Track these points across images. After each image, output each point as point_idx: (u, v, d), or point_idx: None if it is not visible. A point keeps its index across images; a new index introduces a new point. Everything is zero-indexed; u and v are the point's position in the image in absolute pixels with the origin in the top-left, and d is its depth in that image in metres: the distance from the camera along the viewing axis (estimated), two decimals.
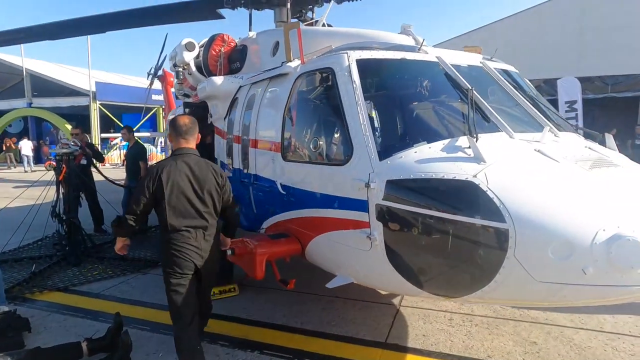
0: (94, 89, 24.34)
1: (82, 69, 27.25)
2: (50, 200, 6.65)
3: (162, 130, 23.52)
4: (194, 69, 6.74)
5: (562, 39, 14.95)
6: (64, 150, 6.59)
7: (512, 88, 3.63)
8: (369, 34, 4.43)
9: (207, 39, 6.57)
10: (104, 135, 25.21)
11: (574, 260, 2.21)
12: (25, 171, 21.10)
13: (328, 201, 3.40)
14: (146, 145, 17.51)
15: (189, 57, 6.65)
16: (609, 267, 2.18)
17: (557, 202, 2.36)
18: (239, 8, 6.62)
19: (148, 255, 6.51)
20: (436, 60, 3.57)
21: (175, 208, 3.07)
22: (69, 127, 17.46)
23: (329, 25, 6.05)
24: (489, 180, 2.48)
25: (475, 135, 2.82)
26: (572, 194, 2.42)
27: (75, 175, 6.63)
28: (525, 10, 16.35)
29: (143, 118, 23.07)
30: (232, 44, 6.41)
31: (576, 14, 15.05)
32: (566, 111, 12.07)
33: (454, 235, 2.52)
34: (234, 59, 6.28)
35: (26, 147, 22.55)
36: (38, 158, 24.50)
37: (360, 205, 3.02)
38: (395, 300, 4.71)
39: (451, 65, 3.52)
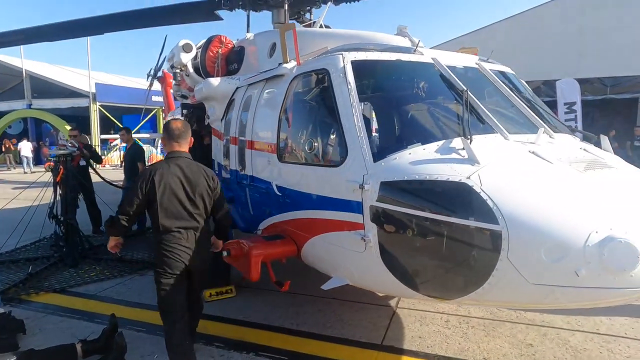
0: (93, 90, 24.36)
1: (82, 70, 27.30)
2: (48, 201, 6.65)
3: (162, 132, 23.48)
4: (191, 70, 6.74)
5: (561, 41, 14.95)
6: (62, 152, 6.60)
7: (508, 89, 3.62)
8: (366, 35, 4.43)
9: (204, 41, 6.59)
10: (104, 136, 25.29)
11: (566, 263, 2.20)
12: (25, 172, 21.07)
13: (323, 202, 3.39)
14: (146, 146, 17.61)
15: (187, 58, 6.66)
16: (602, 270, 2.16)
17: (551, 204, 2.35)
18: (237, 10, 6.62)
19: (145, 256, 6.50)
20: (431, 61, 3.56)
21: (167, 209, 3.11)
22: (69, 128, 17.46)
23: (327, 27, 6.05)
24: (482, 181, 2.48)
25: (469, 137, 2.81)
26: (565, 195, 2.41)
27: (73, 177, 6.64)
28: (524, 12, 16.36)
29: (143, 119, 23.11)
30: (229, 45, 6.42)
31: (575, 16, 15.05)
32: (565, 112, 12.05)
33: (447, 237, 2.51)
34: (232, 61, 6.29)
35: (26, 148, 22.58)
36: (38, 159, 24.49)
37: (355, 206, 3.01)
38: (392, 302, 4.70)
39: (447, 66, 3.51)
